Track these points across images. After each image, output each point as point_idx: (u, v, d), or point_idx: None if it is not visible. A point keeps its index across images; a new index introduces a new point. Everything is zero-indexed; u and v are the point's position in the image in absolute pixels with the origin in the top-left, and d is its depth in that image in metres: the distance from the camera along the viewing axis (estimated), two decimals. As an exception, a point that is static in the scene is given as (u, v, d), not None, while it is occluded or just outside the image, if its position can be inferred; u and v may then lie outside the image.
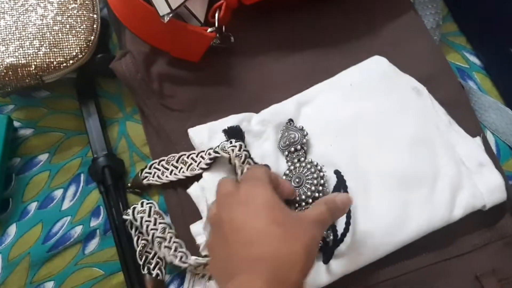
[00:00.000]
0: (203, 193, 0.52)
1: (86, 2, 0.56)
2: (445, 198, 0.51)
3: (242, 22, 0.59)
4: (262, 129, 0.56)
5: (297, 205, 0.51)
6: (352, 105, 0.56)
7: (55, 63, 0.53)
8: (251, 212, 0.39)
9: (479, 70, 0.62)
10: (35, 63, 0.52)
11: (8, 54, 0.52)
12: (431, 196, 0.51)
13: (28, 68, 0.52)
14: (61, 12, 0.54)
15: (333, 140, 0.54)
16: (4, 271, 0.52)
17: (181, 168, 0.54)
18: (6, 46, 0.52)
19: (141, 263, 0.51)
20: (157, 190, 0.56)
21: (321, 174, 0.51)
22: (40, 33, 0.53)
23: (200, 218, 0.52)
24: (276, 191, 0.42)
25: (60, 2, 0.55)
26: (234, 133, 0.54)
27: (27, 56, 0.52)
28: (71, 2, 0.55)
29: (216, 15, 0.57)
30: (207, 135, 0.55)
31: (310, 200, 0.50)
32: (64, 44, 0.53)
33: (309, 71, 0.59)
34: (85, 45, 0.54)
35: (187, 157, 0.54)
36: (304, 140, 0.53)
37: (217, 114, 0.56)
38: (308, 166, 0.52)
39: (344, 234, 0.48)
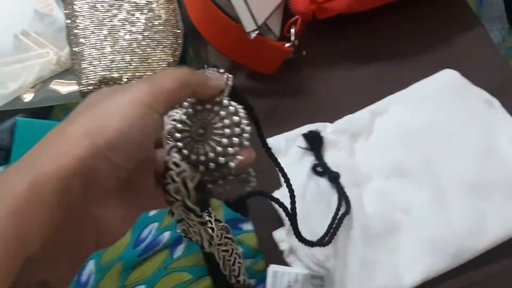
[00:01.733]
0: (284, 200, 0.55)
1: (170, 18, 0.59)
2: (521, 205, 0.53)
3: (313, 34, 0.62)
4: (337, 138, 0.58)
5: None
6: (425, 116, 0.58)
7: (144, 76, 0.55)
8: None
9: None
10: (126, 76, 0.55)
11: (101, 68, 0.55)
12: (507, 203, 0.53)
13: (120, 82, 0.55)
14: (148, 28, 0.57)
15: (407, 149, 0.57)
16: (97, 275, 0.54)
17: None
18: (99, 60, 0.55)
19: (226, 273, 0.53)
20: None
21: (237, 119, 0.34)
22: (130, 48, 0.56)
23: (282, 224, 0.55)
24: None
25: (146, 18, 0.57)
26: (313, 138, 0.56)
27: (119, 69, 0.55)
28: (157, 18, 0.58)
29: (292, 30, 0.59)
30: (284, 144, 0.57)
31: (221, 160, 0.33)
32: (152, 59, 0.56)
33: (379, 84, 0.62)
34: (172, 60, 0.57)
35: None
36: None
37: (291, 123, 0.59)
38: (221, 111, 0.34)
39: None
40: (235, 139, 0.33)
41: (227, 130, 0.33)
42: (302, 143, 0.57)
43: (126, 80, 0.55)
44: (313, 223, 0.53)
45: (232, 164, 0.33)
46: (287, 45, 0.59)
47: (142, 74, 0.55)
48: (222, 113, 0.33)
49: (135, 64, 0.55)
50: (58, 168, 0.27)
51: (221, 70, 0.35)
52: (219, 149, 0.32)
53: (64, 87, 0.59)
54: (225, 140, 0.33)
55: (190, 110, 0.34)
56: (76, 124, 0.29)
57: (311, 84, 0.62)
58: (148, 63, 0.56)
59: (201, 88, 0.33)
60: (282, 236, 0.54)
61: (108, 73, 0.55)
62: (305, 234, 0.53)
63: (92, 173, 0.28)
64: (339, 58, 0.63)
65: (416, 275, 0.51)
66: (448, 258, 0.52)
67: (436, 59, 0.62)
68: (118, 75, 0.55)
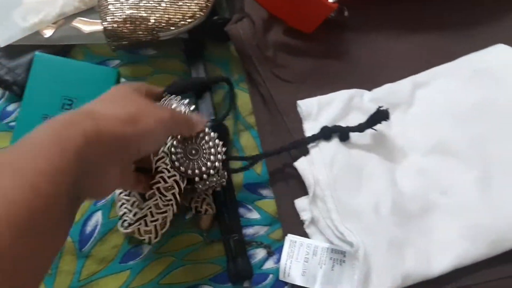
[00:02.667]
0: (310, 168, 0.50)
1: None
2: None
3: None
4: (374, 106, 0.53)
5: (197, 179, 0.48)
6: (476, 92, 0.53)
7: (173, 19, 0.51)
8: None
9: None
10: (154, 17, 0.51)
11: (129, 5, 0.51)
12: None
13: (147, 22, 0.51)
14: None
15: (453, 126, 0.52)
16: (104, 227, 0.51)
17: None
18: (122, 3, 0.51)
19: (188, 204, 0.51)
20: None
21: (219, 148, 0.48)
22: (159, -7, 0.52)
23: (306, 193, 0.50)
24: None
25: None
26: None
27: (147, 9, 0.51)
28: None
29: (336, -15, 0.54)
30: (316, 108, 0.53)
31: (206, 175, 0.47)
32: (184, 1, 0.52)
33: (425, 54, 0.57)
34: (204, 5, 0.53)
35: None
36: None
37: (327, 88, 0.54)
38: (201, 135, 0.48)
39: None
40: (218, 157, 0.48)
41: (213, 150, 0.48)
42: (336, 109, 0.53)
43: (153, 21, 0.51)
44: (340, 193, 0.49)
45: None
46: (331, 0, 0.54)
47: (172, 16, 0.51)
48: (207, 138, 0.48)
49: (165, 5, 0.51)
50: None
51: (186, 101, 0.49)
52: (209, 164, 0.47)
53: (87, 26, 0.55)
54: (212, 158, 0.47)
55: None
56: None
57: (351, 48, 0.57)
58: (179, 5, 0.52)
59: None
60: (305, 205, 0.50)
61: (136, 11, 0.50)
62: (331, 205, 0.49)
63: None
64: (384, 24, 0.58)
65: (447, 260, 0.47)
66: (486, 246, 0.47)
67: (488, 33, 0.57)
68: (146, 14, 0.51)
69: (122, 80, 0.56)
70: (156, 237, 0.47)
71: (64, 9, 0.55)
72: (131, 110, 0.38)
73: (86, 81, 0.53)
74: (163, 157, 0.47)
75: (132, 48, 0.57)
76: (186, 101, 0.49)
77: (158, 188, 0.46)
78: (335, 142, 0.51)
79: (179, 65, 0.57)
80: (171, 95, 0.50)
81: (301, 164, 0.51)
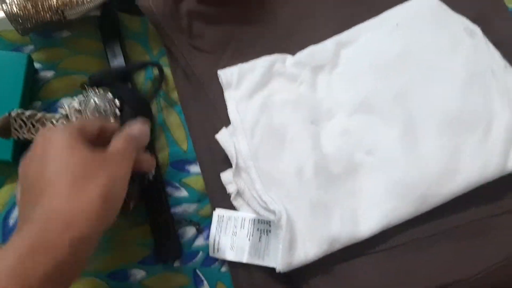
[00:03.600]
0: (231, 138, 0.49)
1: None
2: (500, 146, 0.47)
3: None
4: (297, 71, 0.52)
5: None
6: (397, 45, 0.51)
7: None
8: (45, 162, 0.36)
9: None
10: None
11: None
12: (484, 142, 0.47)
13: (49, 2, 0.49)
14: None
15: (376, 83, 0.50)
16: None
17: (38, 128, 0.48)
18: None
19: None
20: (185, 134, 0.52)
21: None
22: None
23: (231, 166, 0.49)
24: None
25: None
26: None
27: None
28: None
29: None
30: (236, 76, 0.51)
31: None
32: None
33: (351, 10, 0.55)
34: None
35: (46, 120, 0.48)
36: (117, 111, 0.49)
37: (249, 55, 0.53)
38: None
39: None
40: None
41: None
42: (257, 76, 0.51)
43: (55, 1, 0.48)
44: (262, 162, 0.47)
45: None
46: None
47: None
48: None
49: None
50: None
51: (109, 96, 0.49)
52: None
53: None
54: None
55: None
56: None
57: (272, 10, 0.55)
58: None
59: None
60: (230, 178, 0.49)
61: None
62: (254, 175, 0.47)
63: None
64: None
65: (375, 221, 0.46)
66: (413, 203, 0.46)
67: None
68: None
69: (36, 65, 0.54)
70: None
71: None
72: (97, 191, 0.34)
73: (-4, 69, 0.50)
74: None
75: (43, 32, 0.54)
76: (109, 95, 0.48)
77: None
78: (257, 107, 0.50)
79: (96, 45, 0.55)
80: (94, 88, 0.49)
81: (222, 136, 0.49)
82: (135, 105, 0.49)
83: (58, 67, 0.54)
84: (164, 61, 0.55)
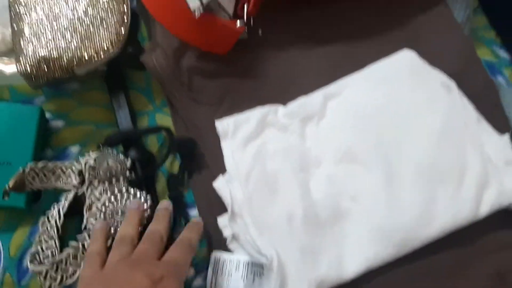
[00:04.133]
0: (227, 185, 0.53)
1: (117, -5, 0.56)
2: (472, 194, 0.51)
3: (270, 14, 0.59)
4: (288, 122, 0.56)
5: None
6: (379, 98, 0.56)
7: (86, 56, 0.54)
8: None
9: (508, 65, 0.61)
10: (66, 56, 0.53)
11: (41, 47, 0.53)
12: (458, 191, 0.51)
13: (60, 61, 0.53)
14: (92, 5, 0.55)
15: (359, 133, 0.55)
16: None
17: (50, 177, 0.53)
18: (38, 39, 0.53)
19: None
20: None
21: (145, 206, 0.51)
22: (72, 26, 0.54)
23: (227, 210, 0.53)
24: None
25: (91, -4, 0.55)
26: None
27: (59, 49, 0.53)
28: (102, -5, 0.56)
29: (245, 8, 0.57)
30: (232, 127, 0.56)
31: None
32: (95, 37, 0.54)
33: (337, 63, 0.59)
34: (116, 38, 0.55)
35: (57, 168, 0.53)
36: (127, 173, 0.53)
37: (245, 106, 0.57)
38: (131, 198, 0.52)
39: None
40: None
41: None
42: (251, 126, 0.56)
43: (66, 60, 0.53)
44: (256, 208, 0.52)
45: None
46: (239, 24, 0.56)
47: (84, 54, 0.53)
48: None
49: (76, 43, 0.53)
50: None
51: (121, 157, 0.53)
52: None
53: (9, 67, 0.57)
54: None
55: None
56: None
57: (266, 65, 0.60)
58: (91, 41, 0.54)
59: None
60: (226, 223, 0.53)
61: (48, 52, 0.53)
62: (248, 220, 0.52)
63: None
64: (297, 39, 0.61)
65: (359, 264, 0.50)
66: (394, 246, 0.50)
67: (398, 38, 0.60)
68: (58, 54, 0.53)
69: (48, 115, 0.58)
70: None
71: (-16, 52, 0.57)
72: None
73: (10, 121, 0.55)
74: (94, 214, 0.50)
75: (54, 85, 0.59)
76: (122, 157, 0.53)
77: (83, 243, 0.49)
78: (251, 156, 0.54)
79: (103, 96, 0.59)
80: (108, 149, 0.53)
81: (219, 184, 0.53)
82: (145, 166, 0.55)
83: (68, 117, 0.59)
84: (166, 111, 0.59)
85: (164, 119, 0.59)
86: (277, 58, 0.60)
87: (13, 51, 0.56)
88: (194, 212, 0.56)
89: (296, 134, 0.56)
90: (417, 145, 0.53)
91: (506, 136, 0.54)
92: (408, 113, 0.55)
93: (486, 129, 0.54)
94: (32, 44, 0.53)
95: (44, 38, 0.53)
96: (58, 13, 0.54)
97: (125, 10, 0.56)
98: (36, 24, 0.53)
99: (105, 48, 0.54)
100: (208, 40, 0.57)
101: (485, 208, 0.51)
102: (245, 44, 0.59)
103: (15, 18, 0.54)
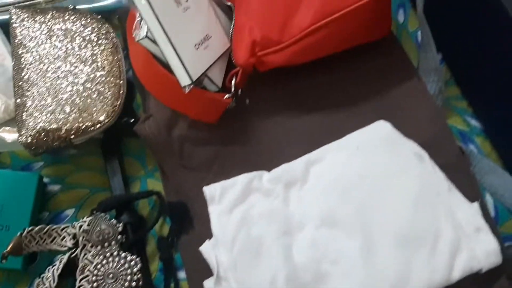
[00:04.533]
0: (213, 250, 0.56)
1: (114, 69, 0.61)
2: (444, 260, 0.54)
3: (256, 84, 0.64)
4: (272, 187, 0.60)
5: None
6: (357, 166, 0.59)
7: (83, 127, 0.58)
8: None
9: (479, 133, 0.65)
10: (65, 127, 0.57)
11: (42, 120, 0.57)
12: (432, 257, 0.54)
13: (59, 132, 0.57)
14: (90, 79, 0.59)
15: (339, 199, 0.58)
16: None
17: (45, 240, 0.56)
18: (39, 112, 0.57)
19: None
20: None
21: (135, 269, 0.54)
22: (71, 100, 0.58)
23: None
24: None
25: (89, 70, 0.60)
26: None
27: (58, 121, 0.57)
28: (100, 69, 0.60)
29: (233, 81, 0.61)
30: (219, 192, 0.59)
31: None
32: (92, 110, 0.58)
33: (318, 132, 0.63)
34: (111, 110, 0.59)
35: (53, 231, 0.57)
36: (119, 237, 0.56)
37: (232, 172, 0.60)
38: (122, 261, 0.55)
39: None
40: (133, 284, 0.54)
41: (129, 278, 0.54)
42: (237, 192, 0.59)
43: (64, 131, 0.57)
44: (241, 272, 0.55)
45: None
46: (226, 96, 0.60)
47: (82, 125, 0.57)
48: (126, 265, 0.54)
49: (74, 115, 0.57)
50: None
51: (113, 221, 0.56)
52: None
53: (11, 135, 0.61)
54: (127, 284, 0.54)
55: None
56: None
57: (253, 133, 0.64)
58: (88, 113, 0.58)
59: None
60: (211, 286, 0.56)
61: (47, 124, 0.57)
62: (232, 284, 0.54)
63: None
64: (282, 108, 0.65)
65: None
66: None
67: (375, 110, 0.64)
68: (57, 126, 0.57)
69: (45, 179, 0.62)
70: None
71: (-10, 121, 0.61)
72: None
73: (10, 188, 0.58)
74: (87, 276, 0.53)
75: (51, 152, 0.63)
76: (114, 221, 0.56)
77: None
78: (236, 221, 0.57)
79: (99, 161, 0.63)
80: (101, 214, 0.56)
81: (205, 248, 0.56)
82: (136, 229, 0.58)
83: (64, 181, 0.62)
84: (157, 176, 0.63)
85: (156, 184, 0.63)
86: (263, 126, 0.64)
87: (15, 120, 0.60)
88: (183, 275, 0.59)
89: (279, 198, 0.59)
90: (393, 213, 0.56)
91: (476, 204, 0.57)
92: (384, 181, 0.58)
93: (457, 197, 0.57)
94: (34, 117, 0.57)
95: (45, 111, 0.57)
96: (58, 87, 0.58)
97: (121, 83, 0.61)
98: (38, 99, 0.58)
99: (102, 120, 0.58)
100: (197, 110, 0.61)
101: (457, 273, 0.54)
102: (233, 112, 0.63)
103: (18, 92, 0.58)
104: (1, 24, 0.65)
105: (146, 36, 0.56)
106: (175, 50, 0.55)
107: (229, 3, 0.68)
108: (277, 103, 0.65)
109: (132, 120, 0.61)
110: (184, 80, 0.56)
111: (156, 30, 0.54)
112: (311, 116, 0.64)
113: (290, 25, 0.61)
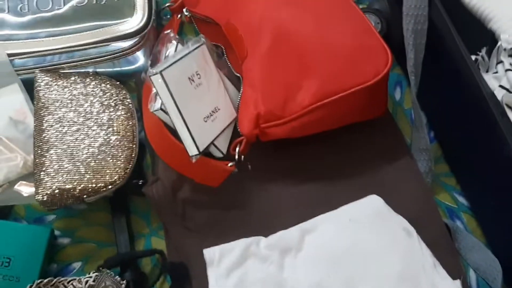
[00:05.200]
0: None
1: (128, 133, 0.66)
2: (427, 336, 0.58)
3: (257, 152, 0.68)
4: (268, 253, 0.63)
5: None
6: (348, 239, 0.63)
7: (96, 187, 0.62)
8: None
9: (466, 210, 0.69)
10: (79, 187, 0.62)
11: (58, 180, 0.61)
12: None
13: (73, 192, 0.62)
14: (106, 143, 0.64)
15: (330, 268, 0.62)
16: None
17: None
18: (56, 172, 0.62)
19: None
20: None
21: None
22: (86, 162, 0.63)
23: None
24: None
25: (105, 134, 0.64)
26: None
27: (73, 181, 0.62)
28: (115, 133, 0.65)
29: (237, 149, 0.66)
30: (218, 256, 0.63)
31: None
32: (106, 171, 0.63)
33: (314, 201, 0.67)
34: (123, 173, 0.63)
35: (60, 283, 0.60)
36: None
37: (231, 235, 0.64)
38: None
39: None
40: None
41: None
42: (235, 256, 0.63)
43: (78, 191, 0.61)
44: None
45: None
46: (230, 164, 0.65)
47: (95, 186, 0.62)
48: None
49: (88, 176, 0.62)
50: None
51: (117, 278, 0.60)
52: None
53: (27, 188, 0.65)
54: None
55: None
56: None
57: (252, 198, 0.68)
58: (101, 175, 0.62)
59: None
60: None
61: (63, 184, 0.61)
62: None
63: None
64: (279, 174, 0.69)
65: None
66: None
67: (368, 184, 0.68)
68: (71, 186, 0.61)
69: (56, 232, 0.66)
70: None
71: (8, 175, 0.65)
72: None
73: (22, 240, 0.62)
74: None
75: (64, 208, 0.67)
76: (118, 278, 0.59)
77: None
78: (233, 285, 0.61)
79: (107, 217, 0.67)
80: (107, 270, 0.60)
81: None
82: (138, 286, 0.62)
83: (73, 235, 0.66)
84: (161, 235, 0.67)
85: (159, 242, 0.67)
86: (262, 193, 0.68)
87: (33, 177, 0.64)
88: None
89: (275, 264, 0.63)
90: (380, 285, 0.60)
91: (458, 282, 0.61)
92: (373, 253, 0.62)
93: (441, 274, 0.61)
94: (51, 177, 0.61)
95: (61, 172, 0.62)
96: (75, 150, 0.63)
97: (134, 147, 0.66)
98: (56, 160, 0.62)
99: (114, 181, 0.63)
100: (202, 176, 0.65)
101: None
102: (235, 177, 0.67)
103: (38, 152, 0.63)
104: (25, 82, 0.70)
105: (160, 109, 0.62)
106: (185, 123, 0.60)
107: (238, 74, 0.74)
108: (277, 171, 0.70)
109: (141, 182, 0.66)
110: (192, 150, 0.61)
111: (170, 106, 0.59)
112: (307, 185, 0.69)
113: (292, 102, 0.65)
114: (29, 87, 0.70)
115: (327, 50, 0.66)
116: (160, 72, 0.58)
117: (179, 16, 0.81)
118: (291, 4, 0.71)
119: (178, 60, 0.61)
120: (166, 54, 0.68)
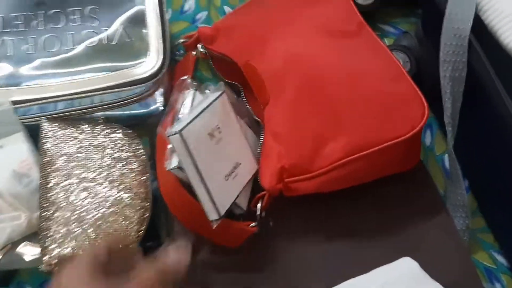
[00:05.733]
0: None
1: (141, 190, 0.61)
2: None
3: (280, 207, 0.63)
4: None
5: None
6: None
7: (107, 253, 0.57)
8: None
9: (505, 271, 0.64)
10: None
11: (65, 246, 0.56)
12: None
13: (82, 256, 0.56)
14: (117, 202, 0.59)
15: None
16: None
17: None
18: (64, 238, 0.57)
19: None
20: None
21: None
22: (96, 224, 0.57)
23: None
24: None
25: (117, 192, 0.59)
26: None
27: (82, 247, 0.56)
28: (127, 190, 0.60)
29: (259, 205, 0.61)
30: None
31: None
32: (117, 234, 0.58)
33: (343, 262, 0.62)
34: (136, 235, 0.58)
35: None
36: None
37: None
38: None
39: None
40: None
41: None
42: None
43: (88, 257, 0.56)
44: None
45: None
46: (251, 225, 0.60)
47: (105, 250, 0.57)
48: None
49: (98, 240, 0.57)
50: None
51: None
52: None
53: (32, 250, 0.60)
54: None
55: None
56: None
57: (273, 258, 0.63)
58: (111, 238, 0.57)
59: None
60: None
61: (71, 250, 0.56)
62: None
63: None
64: (303, 232, 0.64)
65: None
66: None
67: (401, 244, 0.62)
68: (80, 252, 0.56)
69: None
70: None
71: (12, 235, 0.60)
72: None
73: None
74: None
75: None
76: None
77: None
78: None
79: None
80: None
81: None
82: None
83: None
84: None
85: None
86: (284, 253, 0.63)
87: (37, 234, 0.59)
88: None
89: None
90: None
91: None
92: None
93: None
94: (58, 243, 0.56)
95: (69, 237, 0.57)
96: (84, 212, 0.58)
97: (147, 205, 0.60)
98: (63, 224, 0.57)
99: (125, 245, 0.58)
100: (223, 238, 0.60)
101: None
102: (256, 235, 0.62)
103: (43, 214, 0.58)
104: (29, 129, 0.65)
105: (177, 167, 0.56)
106: (205, 186, 0.55)
107: (257, 119, 0.68)
108: (302, 227, 0.65)
109: (155, 246, 0.61)
110: (212, 215, 0.56)
111: (188, 167, 0.54)
112: (333, 245, 0.63)
113: (320, 155, 0.61)
114: (34, 132, 0.64)
115: (360, 99, 0.61)
116: (180, 132, 0.53)
117: (194, 52, 0.76)
118: (315, 42, 0.67)
119: (198, 115, 0.56)
120: (184, 103, 0.62)
